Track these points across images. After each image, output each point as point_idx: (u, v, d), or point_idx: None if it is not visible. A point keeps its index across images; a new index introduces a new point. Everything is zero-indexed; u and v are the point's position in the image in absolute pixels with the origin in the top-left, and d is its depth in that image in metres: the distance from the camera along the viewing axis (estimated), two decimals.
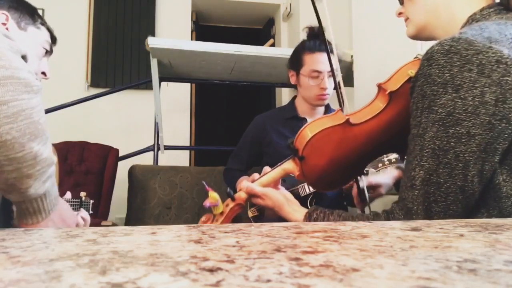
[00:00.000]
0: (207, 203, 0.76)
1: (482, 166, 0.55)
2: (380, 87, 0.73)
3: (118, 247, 0.28)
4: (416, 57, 0.72)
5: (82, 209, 0.93)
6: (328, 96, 1.43)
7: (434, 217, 0.58)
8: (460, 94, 0.55)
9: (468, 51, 0.55)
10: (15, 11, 0.81)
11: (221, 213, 0.77)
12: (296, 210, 0.76)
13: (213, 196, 0.76)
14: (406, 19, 0.78)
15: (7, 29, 0.77)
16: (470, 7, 0.68)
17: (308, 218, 0.73)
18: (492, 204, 0.58)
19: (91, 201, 1.17)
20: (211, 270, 0.22)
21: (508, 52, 0.55)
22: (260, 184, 0.79)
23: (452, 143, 0.55)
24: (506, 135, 0.55)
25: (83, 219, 0.89)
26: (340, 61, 1.48)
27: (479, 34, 0.58)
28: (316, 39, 1.44)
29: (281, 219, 1.32)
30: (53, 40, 0.92)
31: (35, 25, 0.85)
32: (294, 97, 1.56)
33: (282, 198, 0.78)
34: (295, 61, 1.47)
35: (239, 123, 4.34)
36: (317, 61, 1.40)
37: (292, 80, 1.51)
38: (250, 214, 1.49)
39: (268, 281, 0.20)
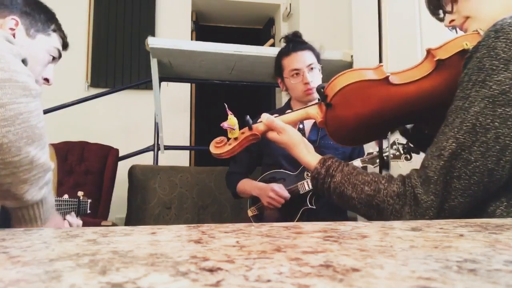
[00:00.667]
0: (225, 124, 0.76)
1: None
2: (429, 52, 0.68)
3: (118, 247, 0.28)
4: (475, 31, 0.67)
5: (72, 213, 0.93)
6: (314, 89, 1.45)
7: (451, 193, 0.56)
8: None
9: None
10: (27, 17, 0.80)
11: (236, 139, 0.77)
12: (309, 153, 0.74)
13: (232, 120, 0.76)
14: (464, 22, 0.73)
15: (13, 35, 0.76)
16: None
17: (322, 163, 0.71)
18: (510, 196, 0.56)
19: (89, 201, 1.17)
20: (211, 270, 0.22)
21: None
22: (281, 120, 0.77)
23: (496, 123, 0.53)
24: None
25: (70, 224, 0.88)
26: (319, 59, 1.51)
27: None
28: (290, 42, 1.51)
29: (280, 219, 1.31)
30: (65, 46, 0.91)
31: (46, 32, 0.84)
32: (290, 99, 1.60)
33: (299, 138, 0.75)
34: (277, 69, 1.54)
35: (239, 123, 4.33)
36: (293, 60, 1.46)
37: (281, 87, 1.57)
38: (250, 214, 1.50)
39: (268, 281, 0.20)
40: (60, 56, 0.89)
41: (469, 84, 0.56)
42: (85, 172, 2.29)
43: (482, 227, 0.38)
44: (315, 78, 1.45)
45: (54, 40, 0.86)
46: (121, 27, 3.42)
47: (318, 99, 0.73)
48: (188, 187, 2.05)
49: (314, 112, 0.73)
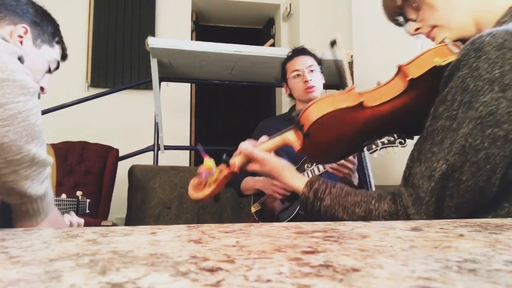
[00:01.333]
0: (203, 173, 0.75)
1: (507, 170, 0.54)
2: (400, 69, 0.68)
3: (118, 247, 0.28)
4: (443, 42, 0.67)
5: (72, 213, 0.93)
6: (314, 87, 1.53)
7: (443, 210, 0.56)
8: (506, 94, 0.52)
9: None
10: (36, 27, 0.81)
11: (215, 180, 0.75)
12: (295, 177, 0.73)
13: (209, 164, 0.74)
14: (431, 31, 0.72)
15: (21, 42, 0.77)
16: None
17: (309, 187, 0.70)
18: (503, 205, 0.56)
19: (88, 200, 1.17)
20: (211, 270, 0.22)
21: None
22: (260, 150, 0.76)
23: (486, 144, 0.53)
24: None
25: (70, 223, 0.89)
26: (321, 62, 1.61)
27: None
28: (295, 51, 1.62)
29: (283, 209, 1.32)
30: (64, 57, 0.93)
31: (51, 43, 0.85)
32: (295, 105, 1.68)
33: (281, 164, 0.75)
34: (282, 73, 1.64)
35: (239, 123, 4.34)
36: (295, 63, 1.57)
37: (286, 91, 1.64)
38: (253, 210, 1.51)
39: (268, 281, 0.20)
40: (58, 67, 0.91)
41: (454, 104, 0.56)
42: (85, 172, 2.29)
43: (482, 227, 0.38)
44: (315, 78, 1.53)
45: (56, 51, 0.88)
46: (121, 27, 3.42)
47: (293, 124, 0.73)
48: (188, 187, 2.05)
49: (292, 138, 0.73)
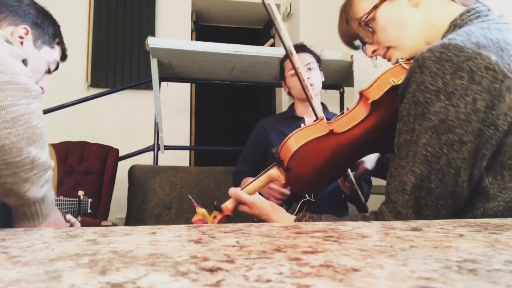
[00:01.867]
0: (195, 219, 0.79)
1: (471, 172, 0.57)
2: (362, 94, 0.73)
3: (118, 247, 0.28)
4: (397, 63, 0.72)
5: (68, 215, 0.93)
6: (313, 86, 1.50)
7: (424, 220, 0.59)
8: (452, 101, 0.56)
9: (459, 58, 0.56)
10: (37, 28, 0.81)
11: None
12: (283, 218, 0.77)
13: (201, 212, 0.79)
14: (387, 52, 0.77)
15: (21, 43, 0.77)
16: (449, 14, 0.69)
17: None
18: (477, 205, 0.59)
19: (89, 200, 1.17)
20: (211, 270, 0.22)
21: (495, 58, 0.56)
22: (247, 192, 0.80)
23: (444, 150, 0.56)
24: (493, 141, 0.56)
25: (71, 222, 0.89)
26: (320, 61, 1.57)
27: (467, 40, 0.58)
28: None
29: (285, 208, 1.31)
30: (63, 58, 0.92)
31: (51, 44, 0.85)
32: (294, 103, 1.66)
33: (269, 207, 0.78)
34: (280, 71, 1.61)
35: (239, 123, 4.34)
36: (293, 61, 1.49)
37: (284, 88, 1.62)
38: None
39: (268, 281, 0.20)
40: (57, 68, 0.91)
41: (409, 118, 0.60)
42: (85, 172, 2.29)
43: (482, 227, 0.38)
44: (313, 76, 1.49)
45: (56, 52, 0.88)
46: (121, 27, 3.42)
47: (275, 162, 0.78)
48: (188, 187, 2.05)
49: (275, 174, 0.78)
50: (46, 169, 0.61)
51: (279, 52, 2.02)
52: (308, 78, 1.46)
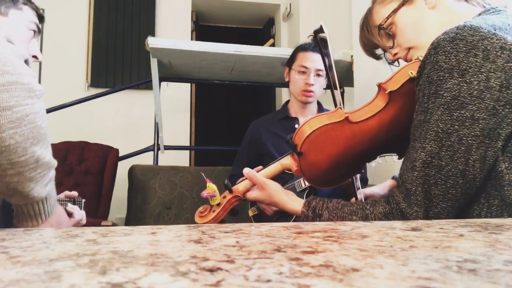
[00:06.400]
0: (204, 193, 0.78)
1: (485, 152, 0.56)
2: (380, 86, 0.73)
3: (118, 247, 0.28)
4: (417, 59, 0.72)
5: (71, 205, 0.92)
6: (312, 93, 1.49)
7: (433, 200, 0.58)
8: (465, 78, 0.56)
9: (473, 37, 0.56)
10: None
11: (218, 204, 0.78)
12: (293, 200, 0.77)
13: (211, 187, 0.78)
14: (407, 53, 0.78)
15: None
16: (467, 15, 0.70)
17: (307, 206, 0.73)
18: (493, 193, 0.58)
19: (83, 200, 1.17)
20: (211, 270, 0.22)
21: None
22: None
23: (456, 126, 0.56)
24: (509, 120, 0.56)
25: (71, 213, 0.88)
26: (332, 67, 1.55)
27: (483, 23, 0.58)
28: (316, 41, 1.48)
29: (280, 216, 1.33)
30: (40, 19, 0.86)
31: (17, 6, 0.80)
32: (287, 102, 1.64)
33: (280, 188, 0.78)
34: (290, 58, 1.56)
35: (239, 123, 4.34)
36: (307, 58, 1.48)
37: (285, 76, 1.58)
38: (250, 214, 1.51)
39: (268, 281, 0.20)
40: (39, 29, 0.85)
41: (424, 98, 0.61)
42: (85, 172, 2.29)
43: (482, 227, 0.38)
44: (318, 83, 1.47)
45: (28, 13, 0.82)
46: (121, 27, 3.42)
47: (290, 150, 0.77)
48: (188, 187, 2.05)
49: (288, 162, 0.77)
50: (50, 168, 0.61)
51: (279, 52, 2.02)
52: (313, 84, 1.45)
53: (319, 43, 0.84)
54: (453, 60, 0.57)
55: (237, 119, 4.84)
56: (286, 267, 0.22)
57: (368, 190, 1.05)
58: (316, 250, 0.27)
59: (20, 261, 0.24)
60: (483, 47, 0.55)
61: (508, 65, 0.55)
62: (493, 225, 0.39)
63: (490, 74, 0.54)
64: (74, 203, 1.09)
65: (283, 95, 3.71)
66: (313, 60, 1.46)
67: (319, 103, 1.60)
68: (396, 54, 0.81)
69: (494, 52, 0.55)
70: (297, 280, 0.20)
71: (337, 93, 1.08)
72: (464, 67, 0.56)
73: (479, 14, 0.69)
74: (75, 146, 2.35)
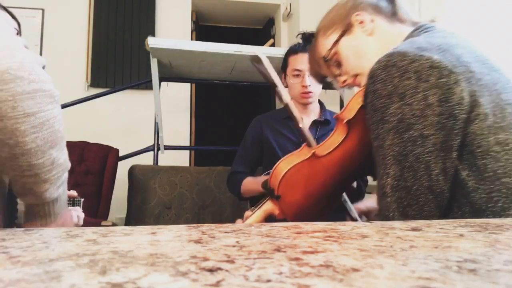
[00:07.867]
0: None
1: (443, 164, 0.58)
2: (337, 118, 0.77)
3: (118, 247, 0.28)
4: (364, 86, 0.75)
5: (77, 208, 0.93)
6: (312, 94, 1.47)
7: (411, 220, 0.59)
8: (405, 101, 0.58)
9: (403, 62, 0.59)
10: None
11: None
12: None
13: None
14: (355, 79, 0.82)
15: None
16: (401, 34, 0.75)
17: None
18: (463, 201, 0.59)
19: (82, 200, 1.17)
20: (211, 270, 0.22)
21: (438, 57, 0.59)
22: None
23: (409, 147, 0.58)
24: (456, 131, 0.57)
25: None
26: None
27: (410, 47, 0.62)
28: (303, 42, 1.49)
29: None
30: (14, 17, 0.82)
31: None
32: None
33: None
34: (283, 64, 1.56)
35: (239, 123, 4.34)
36: (298, 60, 1.48)
37: (283, 82, 1.56)
38: (249, 214, 1.50)
39: (268, 281, 0.20)
40: (19, 24, 0.82)
41: (373, 125, 0.63)
42: (85, 172, 2.29)
43: (482, 227, 0.38)
44: (314, 83, 1.45)
45: (10, 20, 0.79)
46: (121, 27, 3.42)
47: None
48: (188, 187, 2.05)
49: (270, 207, 0.79)
50: (64, 170, 0.63)
51: (279, 52, 2.02)
52: (309, 85, 1.44)
53: (258, 69, 0.89)
54: (389, 86, 0.59)
55: (237, 119, 4.84)
56: (286, 267, 0.22)
57: (363, 206, 1.05)
58: (316, 250, 0.27)
59: (20, 261, 0.24)
60: (413, 69, 0.58)
61: (441, 81, 0.57)
62: (493, 225, 0.39)
63: (426, 92, 0.57)
64: (73, 203, 1.09)
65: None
66: (304, 61, 1.45)
67: (321, 103, 1.59)
68: (344, 81, 0.84)
69: (425, 72, 0.57)
70: (297, 280, 0.20)
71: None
72: (401, 91, 0.58)
73: (412, 32, 0.73)
74: (75, 146, 2.35)
